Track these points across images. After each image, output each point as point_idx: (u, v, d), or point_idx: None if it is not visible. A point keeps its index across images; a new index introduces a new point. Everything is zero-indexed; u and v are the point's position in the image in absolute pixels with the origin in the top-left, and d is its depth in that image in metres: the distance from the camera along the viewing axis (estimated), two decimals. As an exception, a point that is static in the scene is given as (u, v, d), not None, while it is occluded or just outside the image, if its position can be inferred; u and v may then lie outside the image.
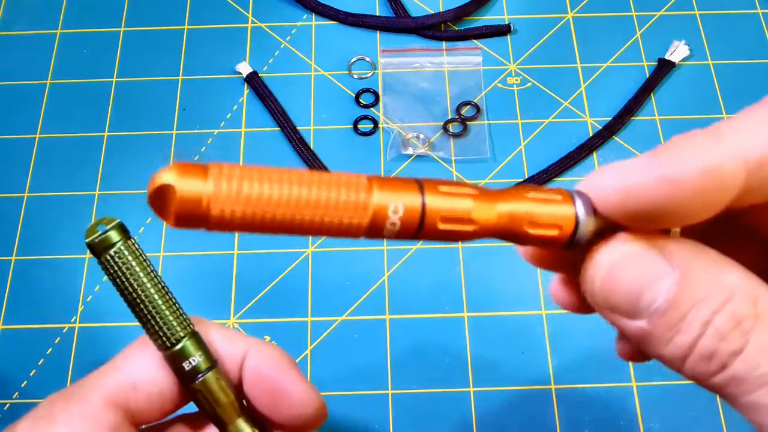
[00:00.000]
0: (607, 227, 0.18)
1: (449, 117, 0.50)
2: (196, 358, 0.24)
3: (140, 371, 0.25)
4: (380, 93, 0.51)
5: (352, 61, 0.53)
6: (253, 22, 0.55)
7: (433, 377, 0.43)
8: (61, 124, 0.51)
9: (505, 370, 0.43)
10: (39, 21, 0.55)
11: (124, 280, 0.24)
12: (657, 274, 0.18)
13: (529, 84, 0.52)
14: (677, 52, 0.52)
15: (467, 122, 0.50)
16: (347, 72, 0.52)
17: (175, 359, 0.24)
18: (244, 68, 0.52)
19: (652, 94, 0.51)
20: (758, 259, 0.22)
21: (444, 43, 0.54)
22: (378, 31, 0.54)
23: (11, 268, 0.46)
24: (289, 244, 0.47)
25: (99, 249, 0.23)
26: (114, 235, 0.24)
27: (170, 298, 0.24)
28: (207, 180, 0.15)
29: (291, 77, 0.52)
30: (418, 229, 0.17)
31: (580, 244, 0.19)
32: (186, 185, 0.15)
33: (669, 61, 0.52)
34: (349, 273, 0.46)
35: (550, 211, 0.18)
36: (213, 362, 0.25)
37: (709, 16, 0.54)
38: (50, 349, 0.44)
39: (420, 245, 0.46)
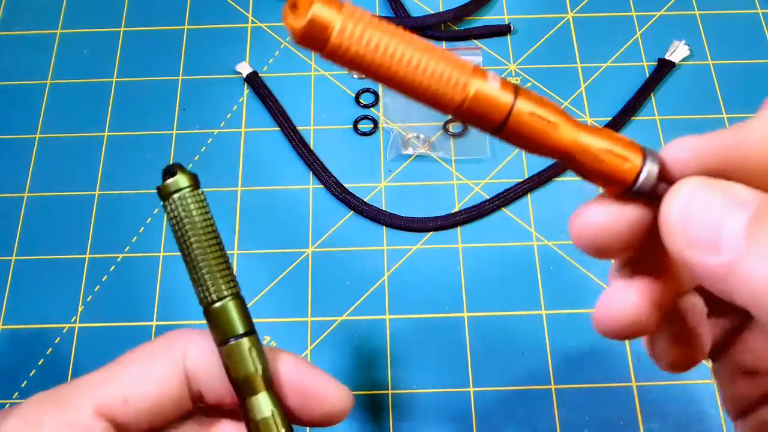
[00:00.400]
0: (671, 181, 0.19)
1: (449, 117, 0.50)
2: (237, 320, 0.24)
3: (134, 386, 0.24)
4: (380, 93, 0.51)
5: (352, 61, 0.53)
6: (253, 22, 0.55)
7: (433, 377, 0.43)
8: (61, 124, 0.51)
9: (505, 370, 0.43)
10: (39, 21, 0.55)
11: (181, 227, 0.24)
12: (736, 200, 0.17)
13: (529, 84, 0.52)
14: (677, 52, 0.52)
15: (467, 122, 0.50)
16: (347, 72, 0.52)
17: (215, 316, 0.24)
18: (244, 68, 0.52)
19: (652, 94, 0.51)
20: None
21: (444, 43, 0.54)
22: (378, 31, 0.54)
23: (11, 268, 0.46)
24: (289, 244, 0.47)
25: (164, 192, 0.24)
26: (182, 181, 0.24)
27: (223, 256, 0.24)
28: (340, 14, 0.17)
29: (291, 77, 0.52)
30: (508, 114, 0.19)
31: (644, 190, 0.19)
32: (321, 11, 0.17)
33: (669, 61, 0.52)
34: (349, 273, 0.46)
35: (623, 146, 0.20)
36: (251, 329, 0.25)
37: (709, 16, 0.54)
38: (50, 349, 0.44)
39: (420, 245, 0.46)
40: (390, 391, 0.42)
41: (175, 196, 0.24)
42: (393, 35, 0.18)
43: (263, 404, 0.25)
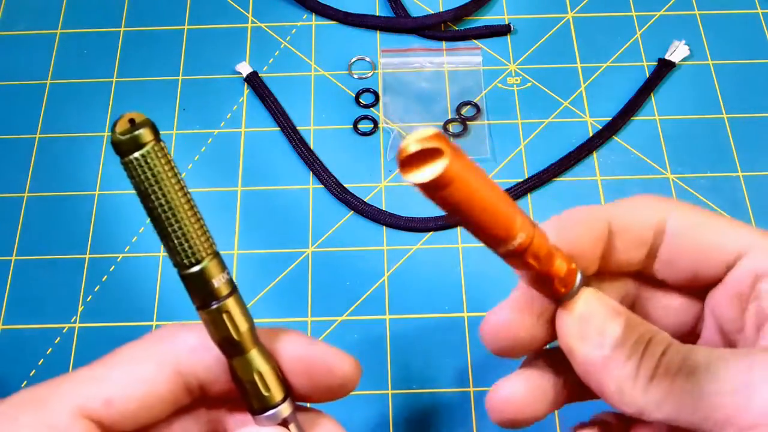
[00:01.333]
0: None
1: (449, 117, 0.51)
2: (218, 281, 0.22)
3: (118, 387, 0.23)
4: (380, 93, 0.51)
5: (352, 61, 0.53)
6: (253, 22, 0.55)
7: (433, 377, 0.43)
8: (61, 124, 0.51)
9: (505, 370, 0.43)
10: (39, 21, 0.55)
11: (148, 186, 0.21)
12: (614, 312, 0.24)
13: (529, 84, 0.52)
14: (677, 52, 0.52)
15: (467, 122, 0.50)
16: (347, 72, 0.52)
17: (195, 279, 0.22)
18: (244, 68, 0.52)
19: (652, 94, 0.51)
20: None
21: (444, 43, 0.54)
22: (378, 31, 0.54)
23: (11, 268, 0.46)
24: (289, 244, 0.47)
25: (125, 148, 0.21)
26: (146, 135, 0.21)
27: (196, 214, 0.22)
28: (461, 168, 0.19)
29: (291, 77, 0.52)
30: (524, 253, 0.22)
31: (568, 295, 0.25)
32: (454, 167, 0.18)
33: (669, 61, 0.52)
34: (349, 273, 0.46)
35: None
36: (234, 288, 0.23)
37: (709, 16, 0.54)
38: (50, 349, 0.44)
39: (420, 245, 0.46)
40: (390, 391, 0.42)
41: (139, 153, 0.21)
42: (487, 186, 0.20)
43: (251, 363, 0.24)
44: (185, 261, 0.22)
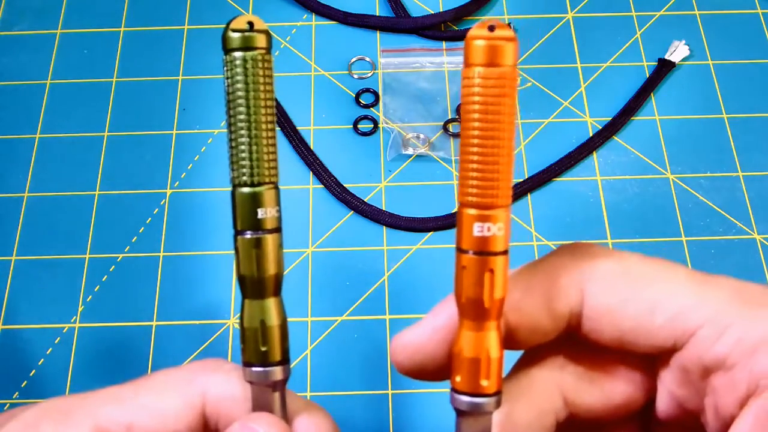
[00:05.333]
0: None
1: (449, 117, 0.51)
2: (267, 212, 0.21)
3: (142, 414, 0.23)
4: (380, 93, 0.51)
5: (352, 61, 0.53)
6: (253, 22, 0.55)
7: (433, 377, 0.43)
8: (61, 124, 0.51)
9: (505, 369, 0.43)
10: (39, 21, 0.55)
11: (239, 89, 0.20)
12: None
13: (529, 84, 0.52)
14: (677, 52, 0.52)
15: (467, 122, 0.50)
16: (347, 72, 0.52)
17: (245, 200, 0.21)
18: (244, 68, 0.52)
19: (652, 94, 0.51)
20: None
21: (444, 43, 0.54)
22: (378, 31, 0.54)
23: (11, 268, 0.46)
24: (290, 244, 0.47)
25: (234, 45, 0.20)
26: (259, 39, 0.20)
27: (273, 140, 0.21)
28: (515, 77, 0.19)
29: (291, 77, 0.52)
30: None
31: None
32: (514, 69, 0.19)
33: (669, 61, 0.52)
34: (349, 273, 0.46)
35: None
36: (279, 228, 0.22)
37: (709, 16, 0.54)
38: (50, 349, 0.44)
39: (420, 245, 0.46)
40: (390, 391, 0.42)
41: (245, 54, 0.20)
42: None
43: (262, 311, 0.22)
44: (244, 178, 0.21)
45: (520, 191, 0.48)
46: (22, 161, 0.49)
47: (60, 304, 0.45)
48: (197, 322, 0.44)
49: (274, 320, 0.23)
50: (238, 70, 0.20)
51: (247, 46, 0.20)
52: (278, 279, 0.23)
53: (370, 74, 0.52)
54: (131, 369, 0.43)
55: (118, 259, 0.46)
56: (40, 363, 0.43)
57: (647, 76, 0.52)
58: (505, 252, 0.20)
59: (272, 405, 0.23)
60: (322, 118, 0.51)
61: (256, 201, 0.21)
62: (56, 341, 0.44)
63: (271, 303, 0.23)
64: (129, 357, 0.43)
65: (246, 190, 0.21)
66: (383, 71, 0.52)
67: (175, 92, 0.52)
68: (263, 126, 0.20)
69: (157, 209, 0.48)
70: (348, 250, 0.46)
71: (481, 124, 0.19)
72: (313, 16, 0.55)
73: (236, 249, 0.22)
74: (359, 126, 0.50)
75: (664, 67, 0.52)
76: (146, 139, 0.50)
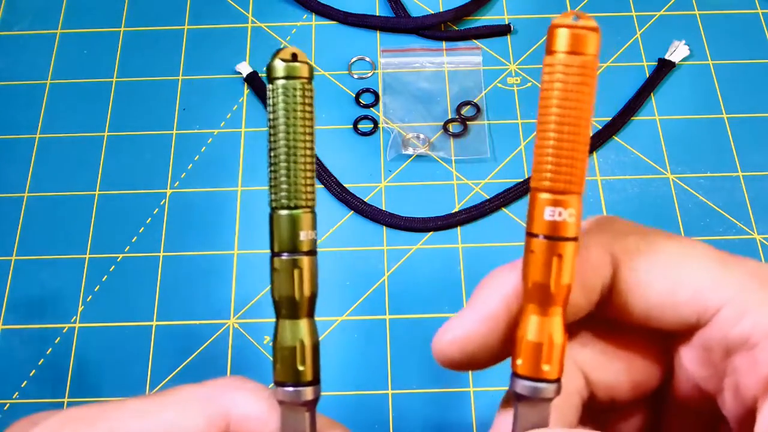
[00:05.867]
0: None
1: (449, 117, 0.51)
2: (305, 235, 0.22)
3: (162, 430, 0.22)
4: (380, 93, 0.51)
5: (352, 61, 0.53)
6: (253, 22, 0.55)
7: (433, 377, 0.43)
8: (61, 124, 0.51)
9: (506, 369, 0.43)
10: (39, 21, 0.55)
11: (281, 116, 0.21)
12: None
13: (529, 84, 0.52)
14: (677, 52, 0.52)
15: (467, 122, 0.50)
16: (347, 72, 0.52)
17: (284, 222, 0.22)
18: (244, 68, 0.52)
19: (652, 94, 0.51)
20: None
21: (444, 43, 0.54)
22: (378, 31, 0.54)
23: (11, 268, 0.46)
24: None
25: (279, 74, 0.21)
26: (302, 70, 0.21)
27: (312, 165, 0.22)
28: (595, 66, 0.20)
29: (291, 77, 0.52)
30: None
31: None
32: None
33: (669, 61, 0.52)
34: (349, 273, 0.46)
35: None
36: (315, 251, 0.23)
37: (709, 16, 0.54)
38: (50, 349, 0.44)
39: (420, 245, 0.46)
40: (390, 391, 0.42)
41: (287, 82, 0.21)
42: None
43: (299, 331, 0.23)
44: (283, 201, 0.22)
45: (521, 191, 0.48)
46: (22, 161, 0.49)
47: (60, 304, 0.45)
48: (197, 322, 0.44)
49: (310, 340, 0.23)
50: (280, 97, 0.21)
51: (290, 75, 0.21)
52: (313, 300, 0.23)
53: (370, 74, 0.52)
54: (131, 369, 0.43)
55: (118, 259, 0.46)
56: (40, 363, 0.43)
57: (647, 76, 0.52)
58: (575, 239, 0.20)
59: (302, 426, 0.23)
60: (323, 118, 0.51)
61: (293, 224, 0.22)
62: (56, 341, 0.44)
63: (306, 323, 0.23)
64: (129, 357, 0.43)
65: (284, 212, 0.22)
66: (383, 71, 0.52)
67: (175, 92, 0.52)
68: (301, 152, 0.22)
69: (157, 209, 0.48)
70: (348, 250, 0.46)
71: (561, 110, 0.19)
72: (313, 16, 0.55)
73: (273, 270, 0.22)
74: (359, 126, 0.50)
75: (664, 67, 0.52)
76: (146, 139, 0.50)
